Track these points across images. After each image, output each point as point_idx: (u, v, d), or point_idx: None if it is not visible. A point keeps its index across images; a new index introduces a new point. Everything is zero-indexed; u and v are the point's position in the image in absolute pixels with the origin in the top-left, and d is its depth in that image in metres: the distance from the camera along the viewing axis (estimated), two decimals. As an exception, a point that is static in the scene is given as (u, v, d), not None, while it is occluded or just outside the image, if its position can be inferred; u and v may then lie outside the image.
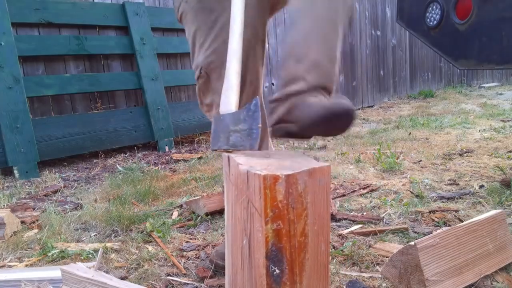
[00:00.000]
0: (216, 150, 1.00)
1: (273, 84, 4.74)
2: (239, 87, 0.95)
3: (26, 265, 1.45)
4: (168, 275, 1.33)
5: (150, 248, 1.56)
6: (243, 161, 0.78)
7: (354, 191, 2.13)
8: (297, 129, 0.84)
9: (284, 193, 0.70)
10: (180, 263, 1.41)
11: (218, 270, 1.32)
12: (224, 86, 0.96)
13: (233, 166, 0.81)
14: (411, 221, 1.69)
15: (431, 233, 1.23)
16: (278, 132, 0.89)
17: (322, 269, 0.78)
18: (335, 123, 0.79)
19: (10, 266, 1.45)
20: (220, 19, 1.12)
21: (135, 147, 3.57)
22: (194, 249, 1.53)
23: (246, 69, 1.11)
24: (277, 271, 0.72)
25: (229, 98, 0.94)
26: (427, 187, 2.14)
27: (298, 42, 0.90)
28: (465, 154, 2.78)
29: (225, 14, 1.06)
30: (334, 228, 1.66)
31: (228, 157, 0.84)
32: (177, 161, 3.18)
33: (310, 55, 0.88)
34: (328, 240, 0.79)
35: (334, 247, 1.47)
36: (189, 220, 1.85)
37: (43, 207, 2.10)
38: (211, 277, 1.29)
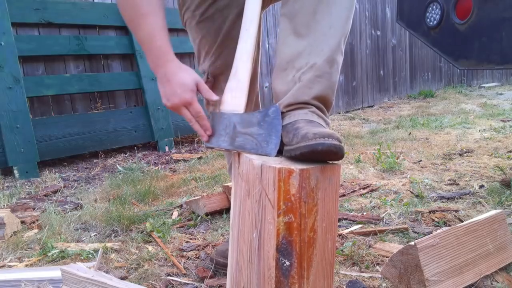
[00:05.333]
0: (212, 148, 0.96)
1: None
2: (248, 88, 0.94)
3: (26, 265, 1.45)
4: (168, 275, 1.33)
5: (150, 248, 1.56)
6: (256, 158, 0.80)
7: (354, 191, 2.13)
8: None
9: (298, 187, 0.71)
10: (180, 263, 1.41)
11: (218, 269, 1.32)
12: (232, 85, 0.94)
13: (244, 162, 0.82)
14: (411, 221, 1.69)
15: (431, 233, 1.23)
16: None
17: (328, 267, 0.79)
18: (320, 157, 0.77)
19: (10, 266, 1.45)
20: (223, 27, 1.17)
21: (135, 147, 3.56)
22: (194, 249, 1.53)
23: None
24: (287, 263, 0.72)
25: (237, 99, 0.92)
26: (427, 187, 2.14)
27: (299, 54, 0.90)
28: (465, 154, 2.78)
29: (227, 22, 1.15)
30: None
31: (239, 155, 0.84)
32: (177, 161, 3.18)
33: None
34: (335, 239, 0.79)
35: (334, 247, 1.47)
36: (189, 220, 1.85)
37: (43, 207, 2.10)
38: (211, 277, 1.29)
